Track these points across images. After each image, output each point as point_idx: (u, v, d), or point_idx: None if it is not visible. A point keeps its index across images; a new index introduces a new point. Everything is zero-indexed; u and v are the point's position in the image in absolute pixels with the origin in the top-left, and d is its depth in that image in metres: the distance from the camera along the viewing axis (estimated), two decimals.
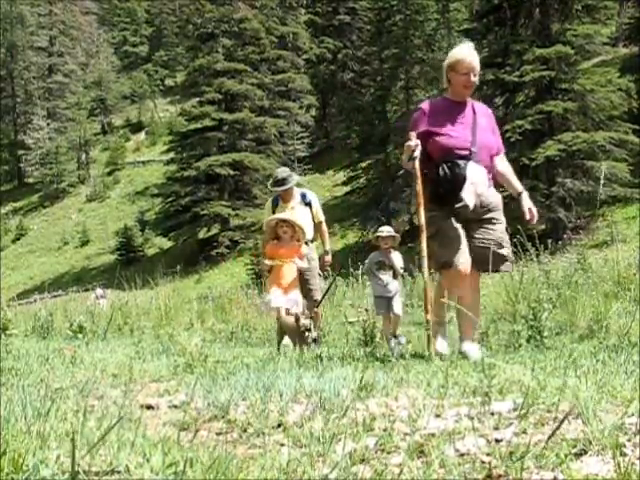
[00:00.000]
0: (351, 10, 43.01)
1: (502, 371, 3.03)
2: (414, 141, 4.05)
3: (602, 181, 15.93)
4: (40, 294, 18.36)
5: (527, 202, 4.20)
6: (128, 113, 64.43)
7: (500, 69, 23.57)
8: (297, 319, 4.74)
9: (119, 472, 1.68)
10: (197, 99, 37.79)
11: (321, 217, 6.65)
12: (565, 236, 18.74)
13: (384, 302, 6.53)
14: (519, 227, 5.95)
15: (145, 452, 1.79)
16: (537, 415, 2.09)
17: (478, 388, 2.52)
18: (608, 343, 4.21)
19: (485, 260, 3.98)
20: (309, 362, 3.85)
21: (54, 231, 49.29)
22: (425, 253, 3.92)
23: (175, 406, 2.63)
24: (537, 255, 9.09)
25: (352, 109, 34.90)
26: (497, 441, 1.91)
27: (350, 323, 6.97)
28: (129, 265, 37.23)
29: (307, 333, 4.67)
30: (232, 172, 34.60)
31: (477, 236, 4.09)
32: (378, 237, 6.68)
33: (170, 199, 37.97)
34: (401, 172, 31.94)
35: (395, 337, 6.46)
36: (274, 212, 6.53)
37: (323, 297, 6.41)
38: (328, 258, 6.69)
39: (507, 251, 4.21)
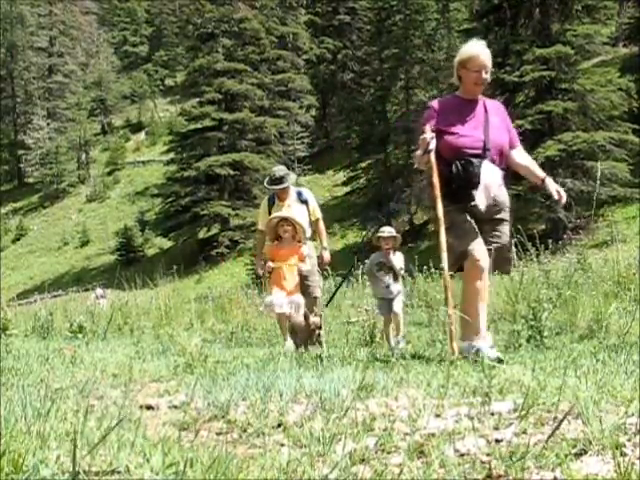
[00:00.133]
0: (351, 10, 43.03)
1: (502, 371, 3.03)
2: (429, 134, 3.99)
3: (598, 181, 15.92)
4: (40, 294, 18.38)
5: (553, 185, 4.14)
6: (128, 113, 64.44)
7: (500, 69, 23.56)
8: (306, 317, 4.67)
9: (119, 472, 1.68)
10: (197, 99, 37.80)
11: (318, 215, 6.63)
12: (565, 236, 18.74)
13: (385, 304, 6.51)
14: (519, 227, 5.95)
15: (145, 452, 1.79)
16: (537, 415, 2.09)
17: (478, 388, 2.52)
18: (608, 343, 4.22)
19: (493, 262, 3.99)
20: (309, 362, 3.85)
21: (54, 231, 49.31)
22: (444, 246, 3.89)
23: (175, 406, 2.62)
24: (537, 255, 9.09)
25: (352, 109, 34.93)
26: (497, 441, 1.91)
27: (350, 323, 6.97)
28: (129, 265, 37.25)
29: (318, 331, 4.60)
30: (232, 172, 34.61)
31: (487, 238, 4.06)
32: (379, 238, 6.64)
33: (170, 199, 37.99)
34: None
35: (389, 341, 6.42)
36: (270, 211, 6.50)
37: (332, 298, 6.39)
38: (327, 256, 6.66)
39: (511, 254, 4.19)
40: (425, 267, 11.35)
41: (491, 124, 4.11)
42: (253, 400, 2.53)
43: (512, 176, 4.43)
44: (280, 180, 6.48)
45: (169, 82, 66.84)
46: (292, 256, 5.98)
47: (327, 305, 6.22)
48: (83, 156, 56.85)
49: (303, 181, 32.03)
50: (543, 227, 21.42)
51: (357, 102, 34.77)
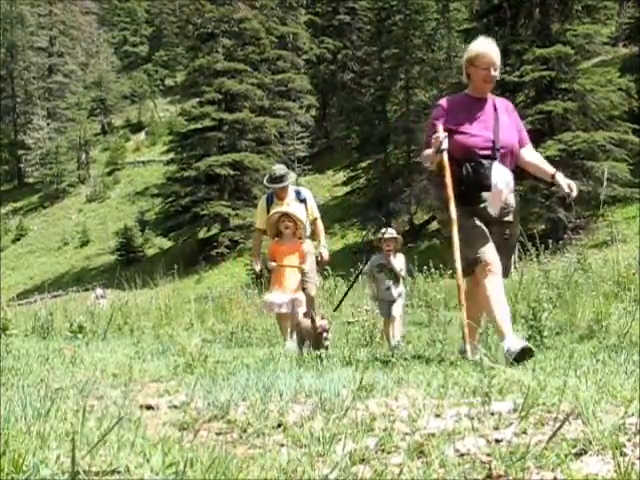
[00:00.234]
0: (351, 10, 43.04)
1: (502, 371, 3.03)
2: (442, 133, 3.93)
3: (605, 183, 15.92)
4: (40, 294, 18.38)
5: (564, 180, 4.07)
6: (128, 113, 64.44)
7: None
8: (313, 320, 4.60)
9: (119, 472, 1.68)
10: (197, 99, 37.80)
11: (316, 214, 6.63)
12: (565, 236, 18.74)
13: (385, 306, 6.47)
14: (520, 227, 5.94)
15: (145, 452, 1.79)
16: (537, 415, 2.09)
17: (478, 388, 2.52)
18: (608, 343, 4.22)
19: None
20: (309, 362, 3.85)
21: (54, 231, 49.31)
22: (457, 246, 3.81)
23: (175, 406, 2.62)
24: (537, 255, 9.09)
25: (352, 109, 34.94)
26: (497, 441, 1.91)
27: (350, 323, 6.95)
28: (129, 265, 37.25)
29: (324, 334, 4.52)
30: (232, 172, 34.61)
31: (497, 243, 3.98)
32: (380, 239, 6.62)
33: (170, 199, 37.99)
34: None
35: (390, 342, 6.39)
36: (268, 210, 6.50)
37: (342, 300, 6.38)
38: (325, 255, 6.66)
39: (514, 258, 4.20)
40: (425, 267, 11.35)
41: (501, 123, 4.05)
42: (253, 400, 2.53)
43: (515, 175, 4.39)
44: (280, 179, 6.49)
45: (169, 82, 66.83)
46: (293, 253, 5.97)
47: (335, 310, 6.21)
48: (83, 156, 56.84)
49: (303, 181, 32.03)
50: (543, 227, 21.42)
51: (357, 102, 34.78)
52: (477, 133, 3.99)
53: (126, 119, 63.81)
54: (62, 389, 2.87)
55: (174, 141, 40.03)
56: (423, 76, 33.07)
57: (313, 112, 42.45)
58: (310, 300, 6.24)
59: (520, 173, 4.29)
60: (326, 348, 4.47)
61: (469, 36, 27.84)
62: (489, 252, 3.87)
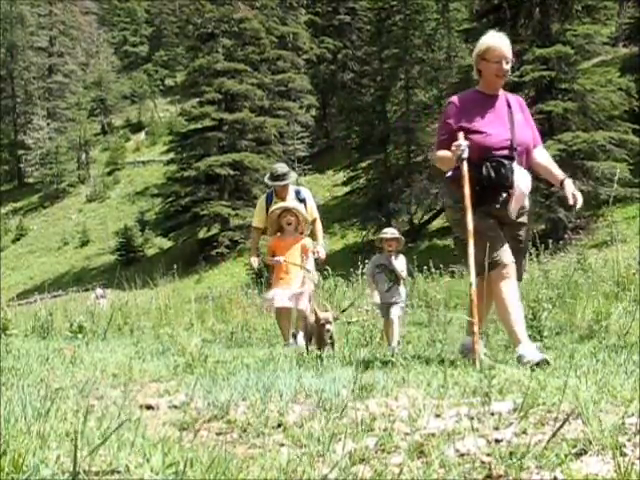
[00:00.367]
0: (351, 10, 43.01)
1: (502, 371, 3.03)
2: (463, 141, 3.76)
3: (615, 184, 15.88)
4: (40, 294, 18.35)
5: (570, 187, 3.98)
6: (128, 113, 64.43)
7: None
8: (315, 313, 4.49)
9: (119, 472, 1.69)
10: (197, 99, 37.78)
11: (315, 214, 6.62)
12: (565, 236, 18.74)
13: (384, 307, 6.44)
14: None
15: (145, 452, 1.79)
16: (537, 415, 2.09)
17: (478, 388, 2.52)
18: (608, 343, 4.22)
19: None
20: (309, 362, 3.85)
21: (54, 231, 49.30)
22: (472, 260, 3.67)
23: (175, 406, 2.62)
24: (537, 255, 9.10)
25: (352, 109, 34.91)
26: (497, 441, 1.91)
27: (350, 323, 6.95)
28: (129, 265, 37.24)
29: (327, 326, 4.38)
30: (232, 172, 34.60)
31: (511, 245, 3.90)
32: (382, 239, 6.57)
33: (170, 199, 37.98)
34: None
35: (390, 343, 6.37)
36: (267, 209, 6.51)
37: (348, 307, 6.35)
38: (322, 255, 6.66)
39: (525, 260, 4.11)
40: (425, 267, 11.35)
41: (516, 121, 3.92)
42: (253, 400, 2.53)
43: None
44: (282, 177, 6.49)
45: (169, 82, 66.81)
46: (295, 247, 5.95)
47: (342, 312, 6.19)
48: (83, 156, 56.83)
49: (303, 181, 32.01)
50: (543, 227, 21.41)
51: (357, 102, 34.74)
52: (493, 132, 3.85)
53: (126, 119, 63.81)
54: (62, 389, 2.87)
55: (174, 141, 40.02)
56: (423, 76, 33.05)
57: (313, 112, 42.43)
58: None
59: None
60: (331, 344, 4.38)
61: (469, 36, 27.90)
62: (505, 255, 3.78)
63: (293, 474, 1.73)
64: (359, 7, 40.00)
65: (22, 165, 57.72)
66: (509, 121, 3.90)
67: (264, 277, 8.56)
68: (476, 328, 3.67)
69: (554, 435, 1.80)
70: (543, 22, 24.23)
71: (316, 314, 4.41)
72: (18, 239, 49.53)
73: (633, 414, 1.99)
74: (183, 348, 3.95)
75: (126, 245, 40.47)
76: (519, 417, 2.08)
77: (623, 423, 1.91)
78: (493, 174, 3.75)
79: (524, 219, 3.97)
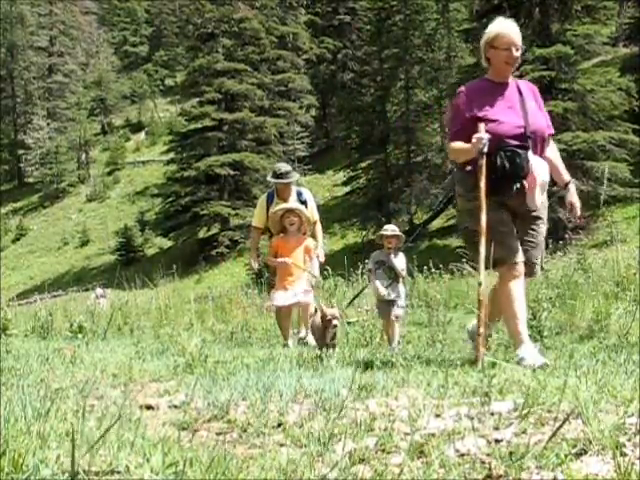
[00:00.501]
0: (351, 10, 43.01)
1: (502, 371, 3.03)
2: (484, 134, 3.65)
3: (605, 183, 15.93)
4: (40, 294, 18.35)
5: (573, 195, 3.92)
6: (128, 113, 64.44)
7: None
8: (321, 310, 4.38)
9: (119, 472, 1.69)
10: (197, 99, 37.79)
11: (316, 217, 6.60)
12: (565, 236, 18.72)
13: (384, 305, 6.43)
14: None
15: (145, 452, 1.79)
16: (537, 415, 2.09)
17: (478, 388, 2.52)
18: (608, 343, 4.22)
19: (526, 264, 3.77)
20: (309, 362, 3.85)
21: (54, 231, 49.30)
22: (483, 258, 3.59)
23: (175, 406, 2.62)
24: None
25: (352, 109, 34.91)
26: (497, 441, 1.91)
27: (350, 323, 6.95)
28: (129, 265, 37.25)
29: (334, 322, 4.26)
30: (232, 172, 34.61)
31: (524, 237, 3.80)
32: (382, 236, 6.56)
33: (170, 199, 38.00)
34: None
35: (391, 343, 6.35)
36: (268, 209, 6.49)
37: (354, 299, 6.33)
38: (322, 258, 6.66)
39: (542, 256, 3.94)
40: (425, 267, 11.34)
41: (528, 108, 3.83)
42: (253, 400, 2.53)
43: None
44: (285, 175, 6.49)
45: (169, 82, 66.81)
46: (299, 248, 5.90)
47: (351, 302, 6.20)
48: (83, 156, 56.84)
49: (303, 181, 31.99)
50: None
51: (357, 102, 34.75)
52: (506, 119, 3.75)
53: (126, 119, 63.81)
54: (62, 389, 2.87)
55: (174, 141, 40.03)
56: (423, 76, 33.06)
57: (313, 112, 42.45)
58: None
59: None
60: (333, 346, 4.25)
61: (469, 36, 27.90)
62: (514, 253, 3.70)
63: (293, 474, 1.73)
64: (359, 7, 39.97)
65: (22, 165, 57.73)
66: (521, 108, 3.81)
67: (264, 277, 8.55)
68: (481, 330, 3.62)
69: (554, 435, 1.80)
70: (543, 22, 24.23)
71: (322, 310, 4.29)
72: (18, 239, 49.54)
73: (633, 414, 1.99)
74: (183, 348, 3.95)
75: (126, 245, 40.48)
76: (519, 417, 2.08)
77: (623, 423, 1.91)
78: (507, 164, 3.65)
79: (539, 213, 3.86)
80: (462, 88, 3.95)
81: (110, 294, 16.94)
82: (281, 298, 5.84)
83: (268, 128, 35.89)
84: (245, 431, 2.20)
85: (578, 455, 1.75)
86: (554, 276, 8.05)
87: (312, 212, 6.55)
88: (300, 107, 39.98)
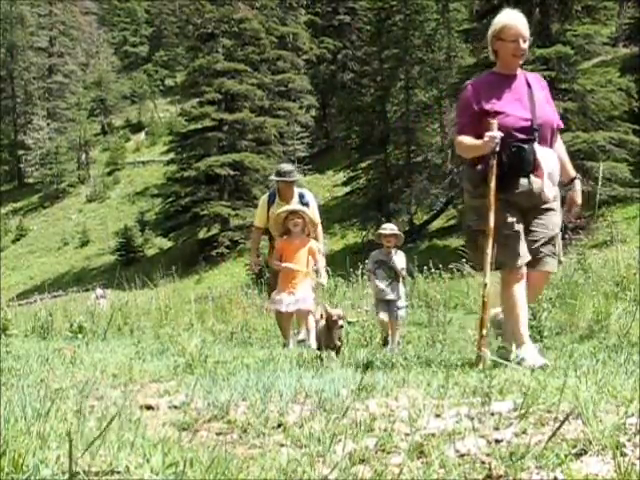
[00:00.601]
0: (351, 10, 43.00)
1: (502, 371, 3.03)
2: (497, 132, 3.57)
3: (599, 183, 15.90)
4: (40, 294, 18.37)
5: (576, 192, 3.88)
6: (128, 113, 64.43)
7: None
8: (326, 310, 4.32)
9: (119, 472, 1.69)
10: (197, 99, 37.78)
11: (317, 220, 6.56)
12: (565, 236, 18.70)
13: (383, 305, 6.42)
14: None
15: (145, 452, 1.79)
16: (537, 415, 2.09)
17: (478, 388, 2.52)
18: (608, 343, 4.22)
19: (537, 258, 3.68)
20: (309, 362, 3.85)
21: (54, 231, 49.30)
22: (488, 259, 3.55)
23: (175, 406, 2.62)
24: None
25: (352, 109, 34.92)
26: (497, 441, 1.91)
27: (350, 323, 6.96)
28: (129, 265, 37.24)
29: (340, 322, 4.20)
30: (232, 172, 34.61)
31: (533, 229, 3.70)
32: (380, 235, 6.54)
33: (170, 199, 37.99)
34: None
35: (386, 343, 6.34)
36: (269, 209, 6.46)
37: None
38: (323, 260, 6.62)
39: (558, 248, 3.81)
40: (425, 267, 11.35)
41: (537, 100, 3.75)
42: (253, 400, 2.53)
43: None
44: (288, 173, 6.47)
45: (169, 82, 66.79)
46: (303, 250, 5.83)
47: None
48: (83, 156, 56.83)
49: (303, 181, 32.00)
50: None
51: (357, 102, 34.75)
52: (513, 112, 3.68)
53: (126, 119, 63.80)
54: (62, 389, 2.86)
55: (174, 141, 40.03)
56: (423, 76, 33.06)
57: (313, 112, 42.45)
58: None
59: None
60: (338, 348, 4.19)
61: (469, 36, 27.90)
62: (518, 258, 3.65)
63: (293, 474, 1.73)
64: (359, 7, 39.99)
65: (22, 165, 57.72)
66: (529, 101, 3.74)
67: (264, 277, 8.54)
68: (485, 331, 3.62)
69: (554, 435, 1.80)
70: (543, 22, 24.22)
71: (327, 311, 4.23)
72: (18, 239, 49.54)
73: (633, 414, 1.99)
74: (183, 348, 3.95)
75: (126, 245, 40.48)
76: (519, 417, 2.08)
77: (623, 423, 1.91)
78: (514, 160, 3.59)
79: (550, 205, 3.77)
80: (469, 82, 3.91)
81: (110, 294, 16.94)
82: (284, 303, 5.76)
83: (268, 128, 35.90)
84: (245, 431, 2.20)
85: (578, 455, 1.75)
86: (554, 276, 8.03)
87: (313, 215, 6.51)
88: (300, 107, 39.99)
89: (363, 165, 33.22)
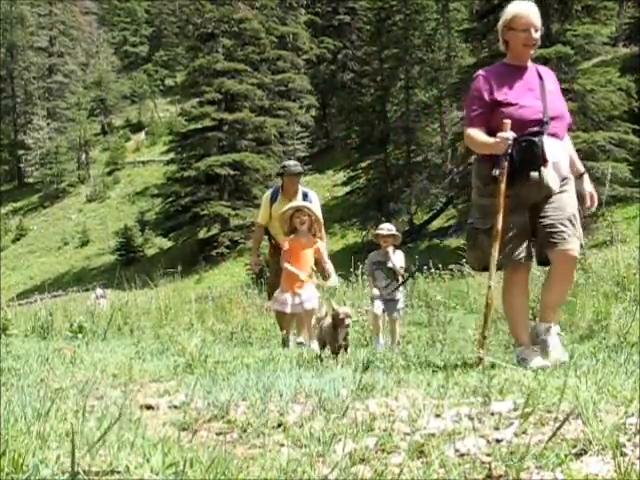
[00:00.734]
0: (351, 10, 43.03)
1: (502, 371, 3.03)
2: (510, 133, 3.48)
3: (607, 184, 15.85)
4: (40, 294, 18.35)
5: (589, 185, 3.80)
6: (128, 113, 64.43)
7: None
8: (333, 309, 4.21)
9: (119, 472, 1.69)
10: (197, 99, 37.80)
11: (320, 220, 6.54)
12: None
13: (382, 305, 6.42)
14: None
15: (145, 452, 1.79)
16: (537, 415, 2.09)
17: (478, 388, 2.52)
18: (608, 343, 4.22)
19: (554, 239, 3.54)
20: (309, 362, 3.85)
21: (54, 231, 49.31)
22: (495, 261, 3.50)
23: (175, 406, 2.62)
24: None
25: (352, 109, 34.94)
26: (497, 441, 1.91)
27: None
28: (129, 265, 37.25)
29: (347, 321, 4.08)
30: (232, 172, 34.62)
31: (546, 214, 3.58)
32: (377, 235, 6.55)
33: (170, 199, 38.01)
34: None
35: (378, 340, 6.34)
36: (271, 206, 6.44)
37: (399, 285, 6.28)
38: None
39: (578, 229, 3.67)
40: (425, 267, 11.35)
41: (549, 92, 3.67)
42: (253, 400, 2.53)
43: None
44: (295, 165, 6.50)
45: (169, 82, 66.80)
46: (310, 249, 5.78)
47: (396, 288, 6.18)
48: (83, 156, 56.84)
49: (303, 181, 31.98)
50: None
51: (357, 102, 34.77)
52: (526, 103, 3.60)
53: (126, 119, 63.80)
54: (62, 389, 2.86)
55: (174, 141, 40.04)
56: (423, 76, 33.08)
57: (313, 112, 42.46)
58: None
59: None
60: (345, 347, 4.06)
61: (469, 36, 27.90)
62: (516, 261, 3.62)
63: (293, 474, 1.73)
64: (359, 7, 40.03)
65: (22, 165, 57.72)
66: (541, 92, 3.66)
67: (264, 277, 8.52)
68: (487, 332, 3.61)
69: (554, 435, 1.80)
70: (543, 22, 24.14)
71: (334, 309, 4.10)
72: (18, 239, 49.54)
73: (633, 414, 1.98)
74: (183, 348, 3.95)
75: (126, 245, 40.49)
76: (519, 417, 2.08)
77: (623, 423, 1.91)
78: (525, 155, 3.49)
79: (565, 187, 3.65)
80: (480, 71, 3.78)
81: (110, 294, 16.93)
82: (288, 304, 5.69)
83: (268, 128, 35.90)
84: (245, 431, 2.20)
85: (578, 455, 1.75)
86: None
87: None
88: (300, 107, 39.99)
89: (363, 165, 33.23)
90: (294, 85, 39.89)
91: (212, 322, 8.57)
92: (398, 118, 32.86)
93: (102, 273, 38.57)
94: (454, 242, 24.12)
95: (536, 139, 3.50)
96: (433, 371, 3.24)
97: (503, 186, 3.50)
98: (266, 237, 6.81)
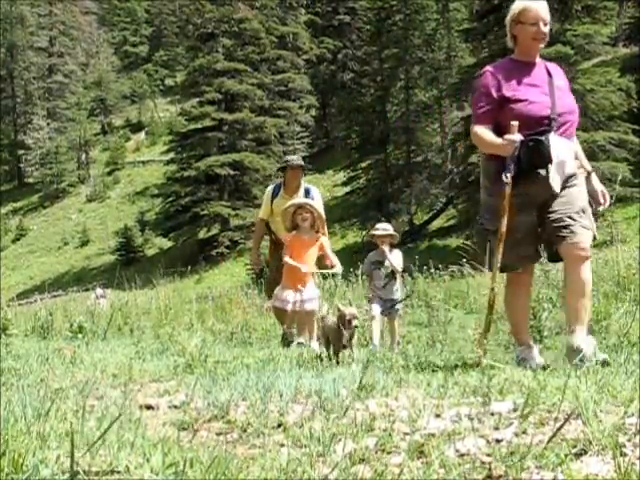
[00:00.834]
0: (351, 10, 43.05)
1: (502, 371, 3.03)
2: (517, 136, 3.41)
3: (617, 186, 15.81)
4: (40, 294, 18.34)
5: (598, 184, 3.74)
6: (128, 113, 64.43)
7: None
8: (338, 309, 4.13)
9: (119, 472, 1.69)
10: (197, 99, 37.81)
11: (323, 217, 6.51)
12: None
13: (380, 303, 6.41)
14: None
15: (145, 452, 1.79)
16: (537, 415, 2.09)
17: (478, 388, 2.52)
18: (608, 343, 4.22)
19: (563, 233, 3.45)
20: (309, 362, 3.85)
21: (54, 231, 49.31)
22: (498, 263, 3.48)
23: (175, 406, 2.62)
24: None
25: (352, 109, 34.95)
26: (497, 441, 1.91)
27: None
28: (129, 265, 37.25)
29: (353, 321, 4.01)
30: (232, 172, 34.63)
31: (554, 209, 3.49)
32: (374, 235, 6.54)
33: (170, 199, 38.02)
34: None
35: (373, 343, 6.33)
36: (272, 202, 6.42)
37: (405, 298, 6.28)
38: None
39: (588, 221, 3.53)
40: (425, 267, 11.34)
41: (558, 88, 3.59)
42: (253, 400, 2.53)
43: None
44: (298, 159, 6.50)
45: (169, 82, 66.81)
46: (312, 246, 5.74)
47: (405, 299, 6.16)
48: (83, 156, 56.85)
49: (303, 181, 31.97)
50: None
51: (357, 102, 34.78)
52: (535, 99, 3.52)
53: (126, 119, 63.81)
54: (62, 389, 2.86)
55: (174, 141, 40.05)
56: (423, 76, 33.08)
57: (313, 112, 42.46)
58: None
59: None
60: (351, 347, 3.97)
61: (469, 36, 27.89)
62: (520, 263, 3.60)
63: (293, 474, 1.73)
64: (359, 7, 40.04)
65: (22, 165, 57.73)
66: (549, 88, 3.58)
67: (264, 277, 8.51)
68: (487, 333, 3.62)
69: (554, 435, 1.80)
70: None
71: (339, 309, 4.01)
72: (18, 239, 49.54)
73: (633, 414, 1.98)
74: (183, 348, 3.95)
75: (126, 245, 40.50)
76: (519, 417, 2.08)
77: (623, 423, 1.90)
78: (532, 155, 3.41)
79: (574, 181, 3.60)
80: (488, 67, 3.72)
81: (110, 294, 16.93)
82: (290, 302, 5.65)
83: (268, 128, 35.91)
84: (245, 431, 2.20)
85: (578, 455, 1.75)
86: (554, 276, 8.04)
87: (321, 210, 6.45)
88: (300, 107, 40.00)
89: (363, 165, 33.24)
90: (294, 85, 39.89)
91: (212, 322, 8.57)
92: (398, 118, 32.86)
93: (102, 273, 38.56)
94: (454, 242, 24.13)
95: (543, 138, 3.43)
96: (433, 371, 3.24)
97: (508, 189, 3.44)
98: (266, 237, 6.81)
